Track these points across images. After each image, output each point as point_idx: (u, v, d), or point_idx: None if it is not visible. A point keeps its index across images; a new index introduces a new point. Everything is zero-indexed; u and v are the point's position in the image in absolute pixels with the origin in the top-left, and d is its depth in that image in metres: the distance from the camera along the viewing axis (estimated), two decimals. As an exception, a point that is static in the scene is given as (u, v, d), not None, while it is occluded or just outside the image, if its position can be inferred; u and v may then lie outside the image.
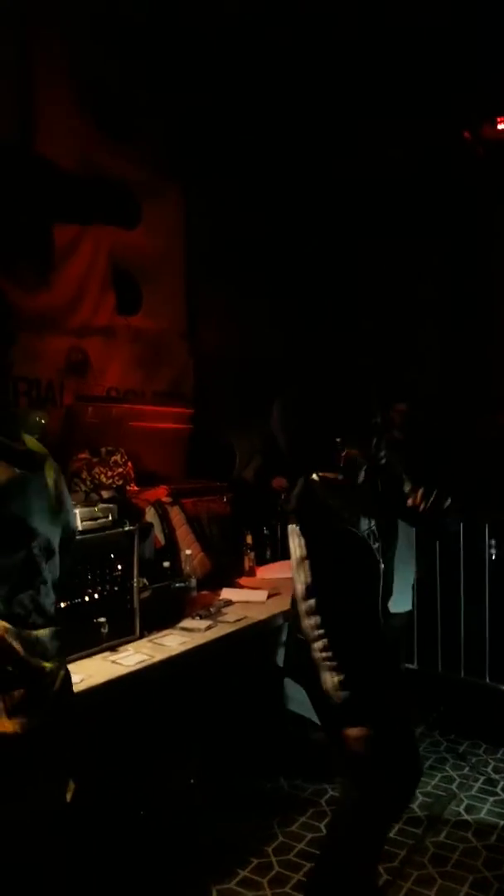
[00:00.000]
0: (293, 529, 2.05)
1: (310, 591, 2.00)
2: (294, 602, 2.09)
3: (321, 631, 1.97)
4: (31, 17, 3.58)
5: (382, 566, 2.12)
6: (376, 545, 2.11)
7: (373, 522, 2.11)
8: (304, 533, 2.03)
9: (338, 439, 2.08)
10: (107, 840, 2.37)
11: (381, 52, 4.54)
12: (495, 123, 5.62)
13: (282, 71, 4.60)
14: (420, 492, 2.09)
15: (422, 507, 2.11)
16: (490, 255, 5.70)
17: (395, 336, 5.38)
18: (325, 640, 1.96)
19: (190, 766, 2.93)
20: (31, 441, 1.51)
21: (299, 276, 5.38)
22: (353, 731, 1.95)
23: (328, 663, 1.96)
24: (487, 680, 3.93)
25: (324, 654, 1.96)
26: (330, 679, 1.96)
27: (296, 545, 2.04)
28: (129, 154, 4.22)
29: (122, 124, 4.18)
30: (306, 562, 2.01)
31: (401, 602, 3.23)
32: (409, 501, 2.09)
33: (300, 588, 2.03)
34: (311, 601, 1.99)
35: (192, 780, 2.88)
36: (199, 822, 2.88)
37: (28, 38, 3.60)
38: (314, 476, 2.13)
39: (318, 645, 1.97)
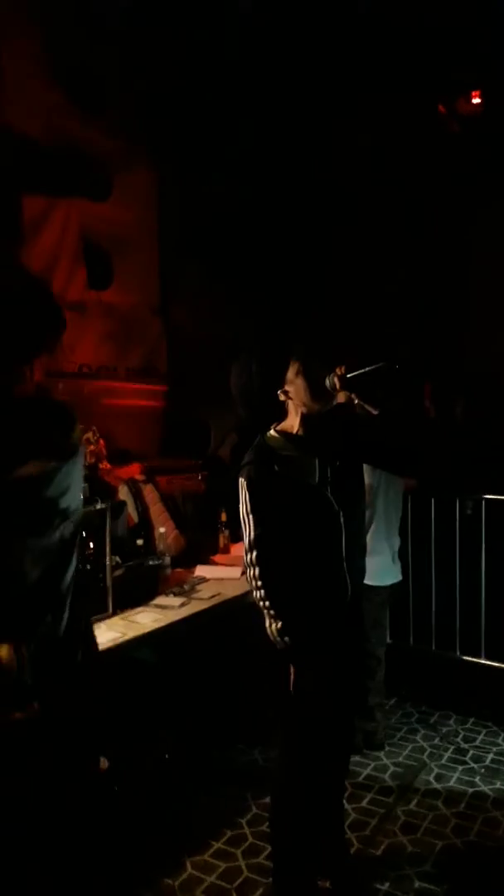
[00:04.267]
0: (241, 483, 2.12)
1: (251, 545, 2.10)
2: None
3: (261, 582, 2.08)
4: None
5: (343, 517, 2.14)
6: (335, 496, 2.15)
7: (329, 472, 2.15)
8: (250, 486, 2.10)
9: (279, 393, 2.16)
10: (82, 812, 2.38)
11: (353, 25, 4.47)
12: (470, 98, 5.58)
13: (255, 42, 4.51)
14: (340, 372, 2.08)
15: (347, 389, 2.11)
16: (467, 233, 5.69)
17: (369, 319, 5.37)
18: (263, 591, 2.08)
19: (164, 740, 2.95)
20: (71, 419, 1.57)
21: (275, 253, 5.32)
22: (294, 669, 2.08)
23: (268, 611, 2.08)
24: (457, 653, 4.01)
25: (263, 603, 2.08)
26: (270, 625, 2.09)
27: (243, 499, 2.12)
28: (101, 125, 4.11)
29: (94, 95, 4.06)
30: (250, 516, 2.09)
31: (388, 574, 3.28)
32: (329, 383, 2.10)
33: (245, 541, 2.12)
34: (253, 554, 2.09)
35: (166, 755, 2.90)
36: (173, 796, 2.91)
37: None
38: (272, 431, 2.21)
39: (258, 594, 2.09)
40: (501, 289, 5.35)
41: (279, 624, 2.06)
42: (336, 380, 2.07)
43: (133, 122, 4.33)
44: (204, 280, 4.89)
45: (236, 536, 3.99)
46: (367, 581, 3.04)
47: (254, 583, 2.09)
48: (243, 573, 3.31)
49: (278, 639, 2.07)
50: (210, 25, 4.31)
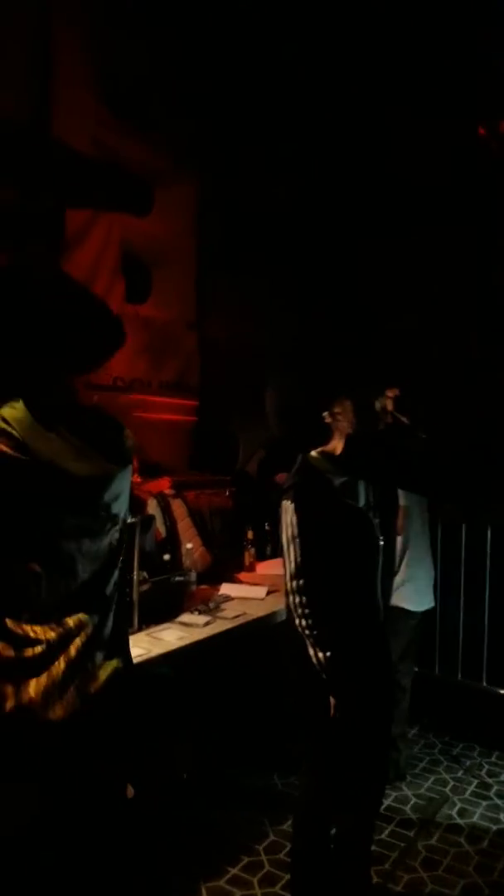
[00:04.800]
0: (287, 506, 2.07)
1: (299, 571, 2.04)
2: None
3: (308, 610, 2.02)
4: (52, 3, 3.53)
5: (382, 542, 2.11)
6: (376, 521, 2.12)
7: (372, 496, 2.14)
8: (298, 510, 2.04)
9: (325, 415, 2.13)
10: (100, 830, 2.36)
11: (398, 46, 4.48)
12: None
13: (300, 60, 4.55)
14: (392, 395, 2.09)
15: (399, 411, 2.11)
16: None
17: (418, 337, 5.31)
18: (310, 619, 2.01)
19: (183, 759, 2.92)
20: (128, 435, 1.60)
21: (312, 271, 5.31)
22: (335, 699, 2.02)
23: (314, 640, 2.02)
24: (484, 683, 3.92)
25: (310, 633, 2.02)
26: (316, 654, 2.02)
27: (288, 522, 2.07)
28: (145, 139, 4.16)
29: (139, 109, 4.12)
30: (297, 540, 2.04)
31: (423, 601, 3.23)
32: (380, 405, 2.11)
33: (290, 566, 2.06)
34: (300, 581, 2.03)
35: (184, 775, 2.87)
36: (190, 816, 2.87)
37: (49, 19, 3.55)
38: (312, 453, 2.17)
39: (304, 623, 2.02)
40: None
41: (327, 654, 2.00)
42: (389, 402, 2.07)
43: (177, 138, 4.38)
44: (240, 295, 4.91)
45: (262, 554, 3.97)
46: (404, 605, 3.01)
47: (299, 611, 2.02)
48: (268, 593, 3.29)
49: (326, 667, 2.01)
50: (256, 44, 4.36)
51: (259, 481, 4.55)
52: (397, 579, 3.03)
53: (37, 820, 1.41)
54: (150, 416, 4.12)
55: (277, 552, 4.07)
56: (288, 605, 2.09)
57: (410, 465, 2.21)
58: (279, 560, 3.85)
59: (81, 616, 1.44)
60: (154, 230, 4.31)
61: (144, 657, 2.43)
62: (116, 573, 1.55)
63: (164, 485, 3.50)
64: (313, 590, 2.01)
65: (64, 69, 3.64)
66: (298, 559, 2.03)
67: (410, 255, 5.28)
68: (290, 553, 2.05)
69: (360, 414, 2.11)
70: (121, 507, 1.54)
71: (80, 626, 1.44)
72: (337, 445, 2.15)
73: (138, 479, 3.37)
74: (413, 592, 3.15)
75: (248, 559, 3.78)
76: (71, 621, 1.43)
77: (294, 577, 2.04)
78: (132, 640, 2.54)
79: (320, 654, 2.01)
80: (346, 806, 2.20)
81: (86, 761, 1.45)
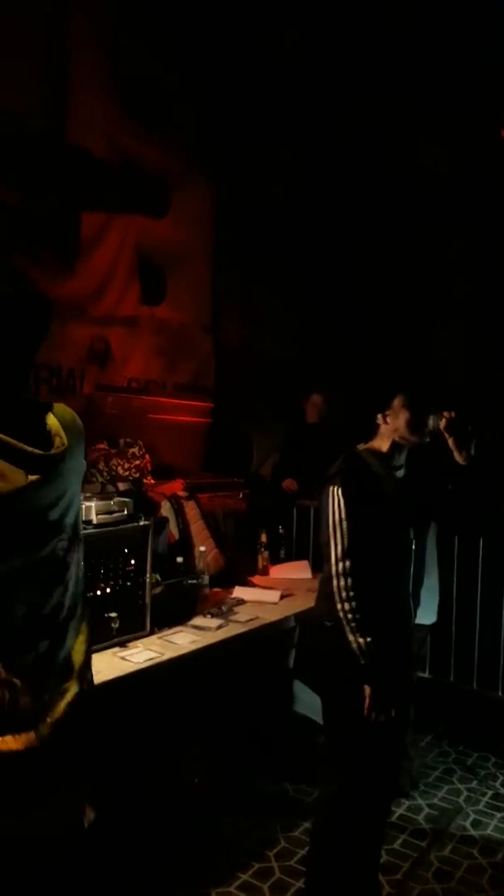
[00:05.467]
0: (333, 491, 2.08)
1: (346, 554, 2.03)
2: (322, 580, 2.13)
3: (352, 593, 2.01)
4: (68, 4, 3.55)
5: (415, 546, 2.12)
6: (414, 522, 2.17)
7: (409, 498, 2.16)
8: (346, 493, 2.05)
9: (378, 416, 2.16)
10: (108, 836, 2.35)
11: (400, 47, 4.47)
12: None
13: (316, 61, 4.53)
14: (448, 416, 2.12)
15: (448, 433, 2.13)
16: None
17: (419, 338, 5.27)
18: (354, 602, 2.01)
19: (194, 764, 2.90)
20: (53, 425, 1.38)
21: (327, 274, 5.29)
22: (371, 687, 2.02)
23: (356, 625, 2.01)
24: (500, 693, 3.87)
25: (352, 616, 2.01)
26: (356, 640, 2.01)
27: (335, 507, 2.06)
28: (160, 143, 4.18)
29: (154, 113, 4.14)
30: (345, 524, 2.04)
31: (425, 614, 3.18)
32: (433, 423, 2.13)
33: (336, 550, 2.05)
34: (347, 562, 2.03)
35: (195, 780, 2.85)
36: (201, 822, 2.85)
37: (64, 24, 3.57)
38: (359, 446, 2.20)
39: (346, 606, 2.02)
40: None
41: (368, 639, 2.00)
42: (442, 422, 2.09)
43: (193, 140, 4.39)
44: (256, 298, 4.90)
45: (276, 558, 3.94)
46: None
47: (343, 594, 2.02)
48: (282, 597, 3.27)
49: (366, 651, 2.00)
50: (269, 44, 4.36)
51: (273, 484, 4.54)
52: None
53: None
54: (164, 418, 4.12)
55: (292, 556, 4.05)
56: (328, 592, 2.07)
57: (438, 499, 2.22)
58: (293, 564, 3.86)
59: (26, 638, 1.32)
60: (170, 233, 4.32)
61: (156, 661, 2.41)
62: (72, 586, 1.40)
63: (177, 487, 3.49)
64: (359, 574, 2.01)
65: (80, 73, 3.66)
66: (345, 542, 2.02)
67: (410, 255, 5.23)
68: (336, 536, 2.04)
69: (413, 425, 2.12)
70: (62, 513, 1.37)
71: (26, 650, 1.31)
72: (383, 444, 2.18)
73: (152, 481, 3.36)
74: (425, 606, 3.11)
75: (261, 562, 3.76)
76: (13, 646, 1.30)
77: (340, 559, 2.03)
78: (144, 643, 2.56)
79: (360, 640, 2.00)
80: (363, 808, 2.17)
81: (44, 795, 1.34)
